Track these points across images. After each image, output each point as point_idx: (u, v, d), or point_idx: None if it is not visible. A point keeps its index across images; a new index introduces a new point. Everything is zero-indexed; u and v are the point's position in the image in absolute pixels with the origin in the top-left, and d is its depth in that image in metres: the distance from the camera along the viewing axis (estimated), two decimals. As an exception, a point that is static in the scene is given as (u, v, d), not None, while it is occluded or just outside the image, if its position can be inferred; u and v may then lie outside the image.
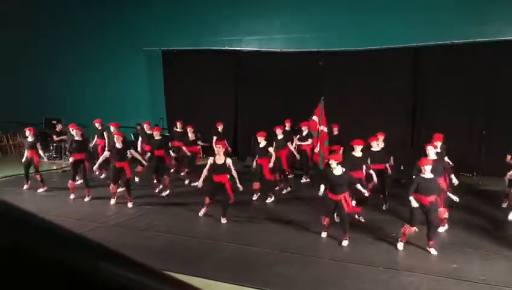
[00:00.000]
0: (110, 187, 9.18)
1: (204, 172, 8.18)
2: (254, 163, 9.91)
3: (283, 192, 10.42)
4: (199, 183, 8.27)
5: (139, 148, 11.92)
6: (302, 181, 11.66)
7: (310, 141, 11.45)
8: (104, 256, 0.51)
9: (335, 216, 7.59)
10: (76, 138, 9.89)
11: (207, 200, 8.16)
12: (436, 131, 11.24)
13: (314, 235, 7.31)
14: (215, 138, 11.97)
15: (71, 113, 16.14)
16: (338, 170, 6.94)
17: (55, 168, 13.23)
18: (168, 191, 10.04)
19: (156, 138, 10.35)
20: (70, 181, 9.77)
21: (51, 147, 14.48)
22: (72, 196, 9.64)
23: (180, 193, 10.24)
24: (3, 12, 17.39)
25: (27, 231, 0.45)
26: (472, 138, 12.39)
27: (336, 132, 11.41)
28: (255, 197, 9.76)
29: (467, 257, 6.47)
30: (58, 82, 17.59)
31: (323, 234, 7.31)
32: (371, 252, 6.62)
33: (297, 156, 11.13)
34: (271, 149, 9.49)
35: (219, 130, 12.26)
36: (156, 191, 10.13)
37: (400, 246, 6.79)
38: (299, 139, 11.64)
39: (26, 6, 17.79)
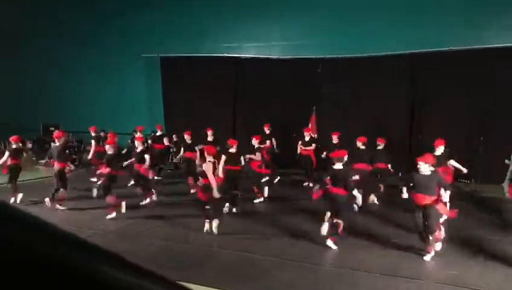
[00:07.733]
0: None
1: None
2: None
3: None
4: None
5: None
6: (304, 185, 11.70)
7: (313, 146, 11.63)
8: (105, 259, 0.51)
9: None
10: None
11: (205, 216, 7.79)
12: (433, 137, 11.26)
13: (313, 242, 7.26)
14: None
15: (69, 119, 16.13)
16: (426, 170, 6.47)
17: (50, 176, 13.07)
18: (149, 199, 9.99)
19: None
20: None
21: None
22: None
23: (177, 200, 10.19)
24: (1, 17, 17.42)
25: (28, 231, 0.45)
26: (469, 144, 12.40)
27: (335, 140, 11.12)
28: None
29: (466, 264, 6.44)
30: (57, 88, 17.60)
31: (428, 257, 6.54)
32: (368, 258, 6.60)
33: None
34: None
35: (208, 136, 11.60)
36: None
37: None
38: (302, 144, 11.74)
39: (24, 11, 17.81)
